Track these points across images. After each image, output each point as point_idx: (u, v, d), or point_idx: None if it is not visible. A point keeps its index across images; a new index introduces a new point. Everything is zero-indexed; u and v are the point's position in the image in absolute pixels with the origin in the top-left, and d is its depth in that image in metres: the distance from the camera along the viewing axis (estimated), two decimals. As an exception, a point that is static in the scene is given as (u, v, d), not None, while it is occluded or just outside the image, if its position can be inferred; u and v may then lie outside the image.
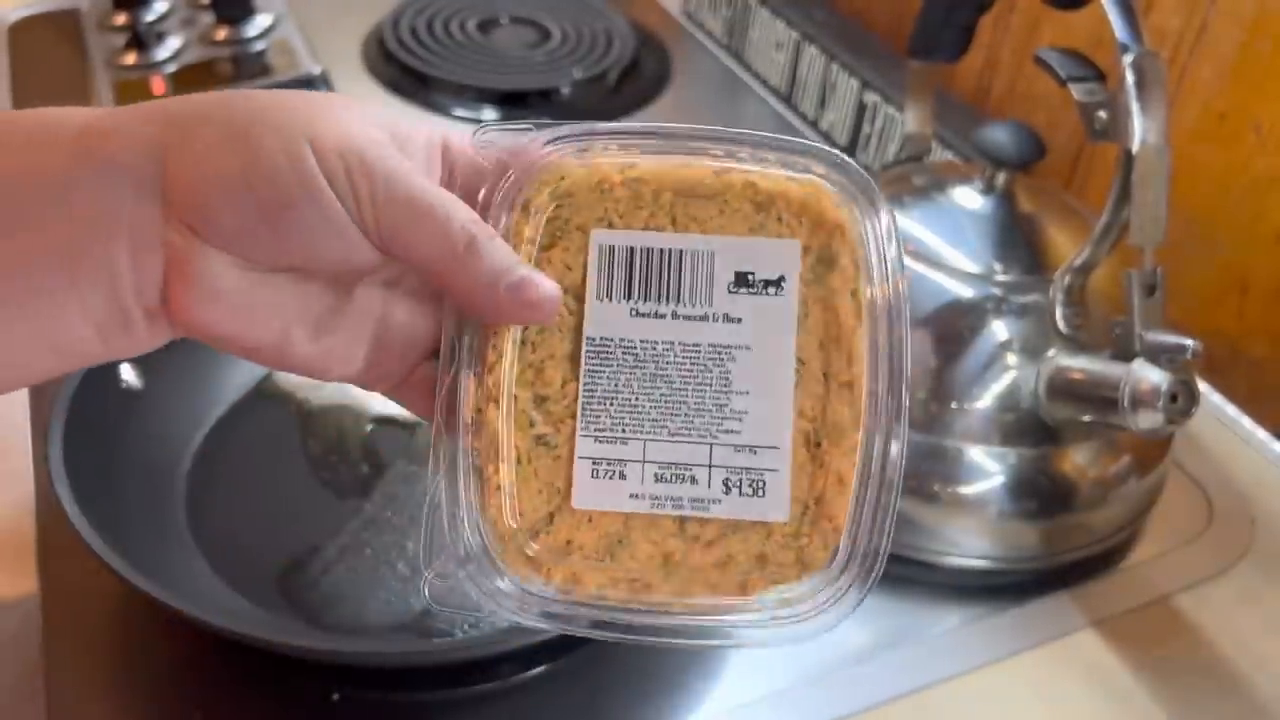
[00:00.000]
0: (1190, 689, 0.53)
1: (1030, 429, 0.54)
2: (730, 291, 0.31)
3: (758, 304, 0.31)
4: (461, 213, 0.30)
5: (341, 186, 0.29)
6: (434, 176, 0.32)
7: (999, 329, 0.54)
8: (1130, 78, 0.48)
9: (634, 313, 0.31)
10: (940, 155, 0.79)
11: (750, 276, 0.31)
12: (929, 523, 0.55)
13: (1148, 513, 0.60)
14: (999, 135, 0.56)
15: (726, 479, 0.31)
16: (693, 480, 0.31)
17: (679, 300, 0.31)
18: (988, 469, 0.54)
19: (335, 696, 0.50)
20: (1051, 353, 0.53)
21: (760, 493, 0.31)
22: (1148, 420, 0.48)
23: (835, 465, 0.31)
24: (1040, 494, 0.55)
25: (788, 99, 0.95)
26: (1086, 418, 0.52)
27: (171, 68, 0.90)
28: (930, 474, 0.54)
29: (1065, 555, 0.57)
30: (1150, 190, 0.48)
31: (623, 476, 0.31)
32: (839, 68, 0.88)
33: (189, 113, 0.29)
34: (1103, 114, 0.49)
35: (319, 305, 0.31)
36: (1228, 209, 0.70)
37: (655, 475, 0.31)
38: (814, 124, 0.92)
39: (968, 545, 0.56)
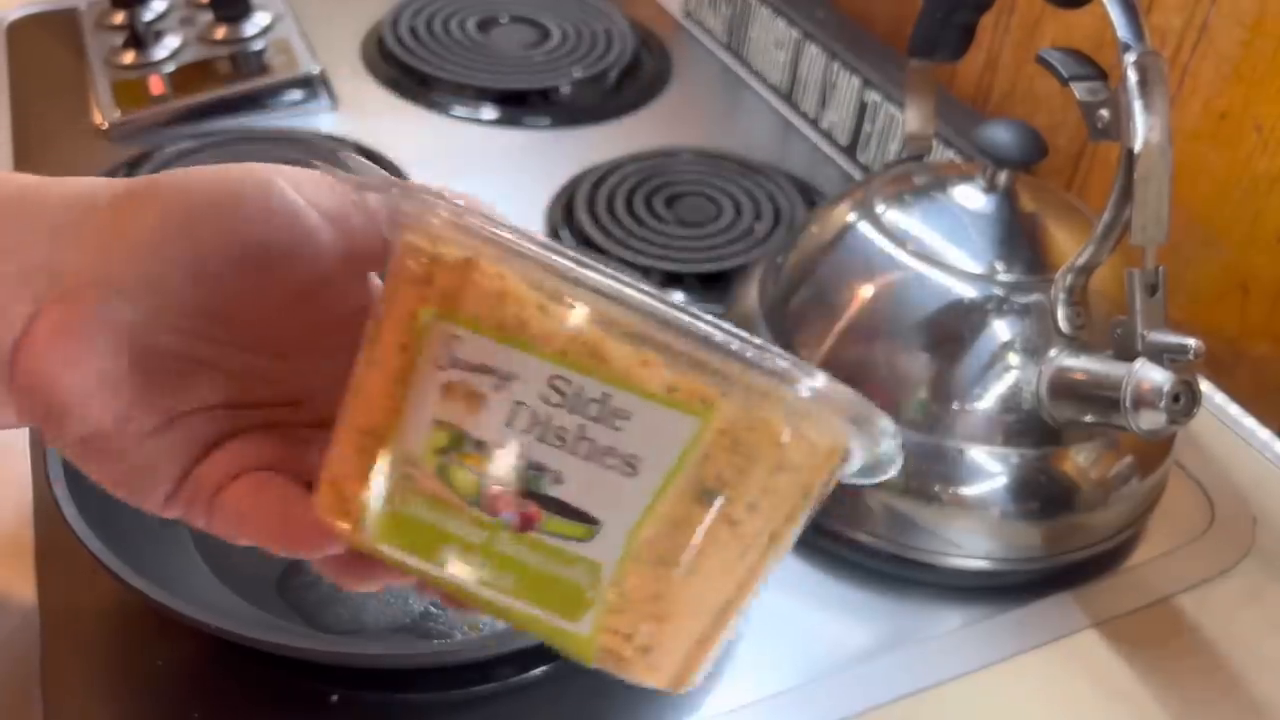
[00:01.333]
0: (1192, 689, 0.53)
1: (1032, 429, 0.54)
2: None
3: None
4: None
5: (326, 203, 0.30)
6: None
7: (1000, 329, 0.54)
8: (1132, 77, 0.47)
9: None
10: (941, 154, 0.78)
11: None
12: (930, 523, 0.55)
13: (1149, 513, 0.60)
14: (1000, 134, 0.56)
15: None
16: None
17: None
18: (989, 469, 0.54)
19: (334, 698, 0.50)
20: (1053, 353, 0.53)
21: None
22: (1150, 420, 0.48)
23: None
24: (1042, 494, 0.55)
25: (788, 98, 0.95)
26: (1088, 418, 0.52)
27: (170, 67, 0.90)
28: (931, 474, 0.54)
29: (1067, 556, 0.57)
30: (1152, 190, 0.48)
31: None
32: (840, 67, 0.88)
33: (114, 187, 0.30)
34: (1104, 113, 0.49)
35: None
36: (1229, 209, 0.69)
37: None
38: (815, 123, 0.92)
39: (969, 546, 0.56)
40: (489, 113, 0.92)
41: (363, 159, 0.30)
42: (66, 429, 0.29)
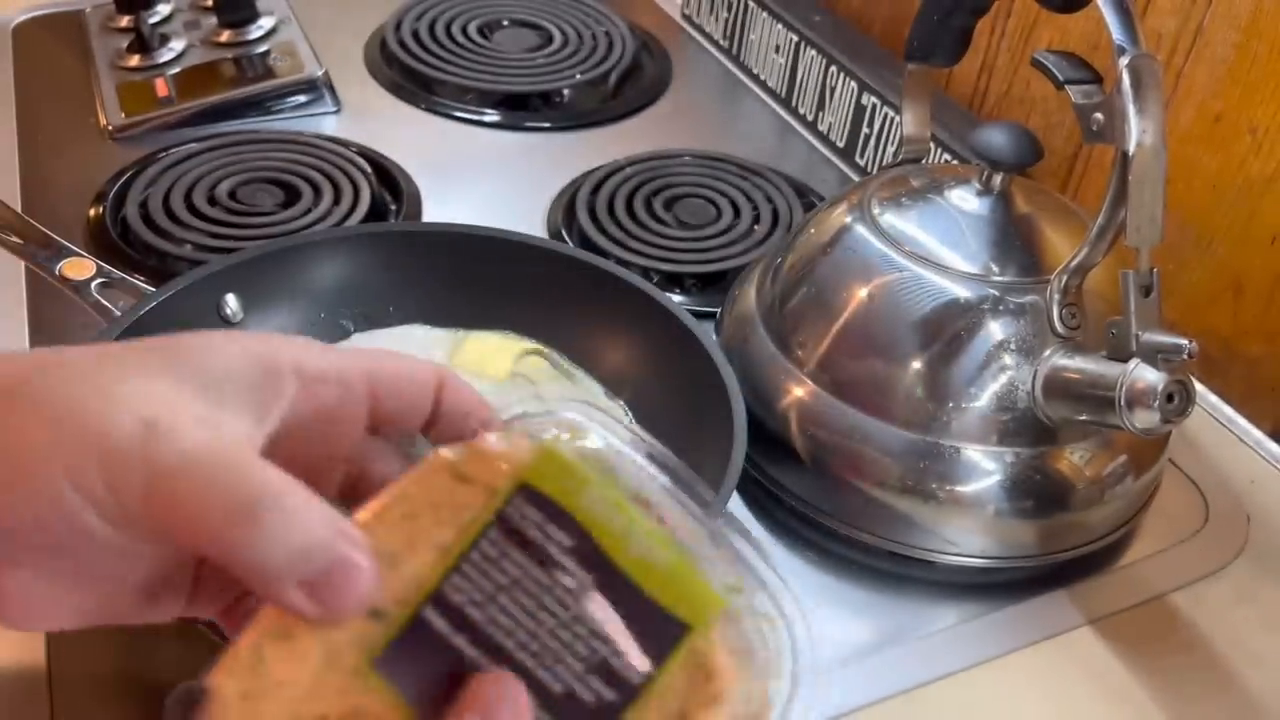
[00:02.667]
0: (1186, 686, 0.53)
1: (1027, 429, 0.54)
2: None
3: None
4: (238, 485, 0.25)
5: (108, 509, 0.26)
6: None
7: (996, 329, 0.55)
8: (1127, 79, 0.48)
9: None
10: (938, 157, 0.79)
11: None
12: (926, 521, 0.56)
13: (1144, 511, 0.61)
14: (996, 137, 0.56)
15: None
16: None
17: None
18: (985, 468, 0.55)
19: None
20: (1048, 353, 0.53)
21: None
22: (1144, 420, 0.49)
23: None
24: (1037, 493, 0.55)
25: (787, 101, 0.96)
26: (1083, 417, 0.52)
27: (175, 70, 0.90)
28: (927, 473, 0.55)
29: (1062, 553, 0.57)
30: (1147, 191, 0.49)
31: None
32: (837, 70, 0.89)
33: None
34: (1099, 116, 0.49)
35: (137, 578, 0.30)
36: (1223, 210, 0.70)
37: None
38: (813, 125, 0.93)
39: (965, 543, 0.56)
40: (491, 115, 0.92)
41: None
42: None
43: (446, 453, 0.27)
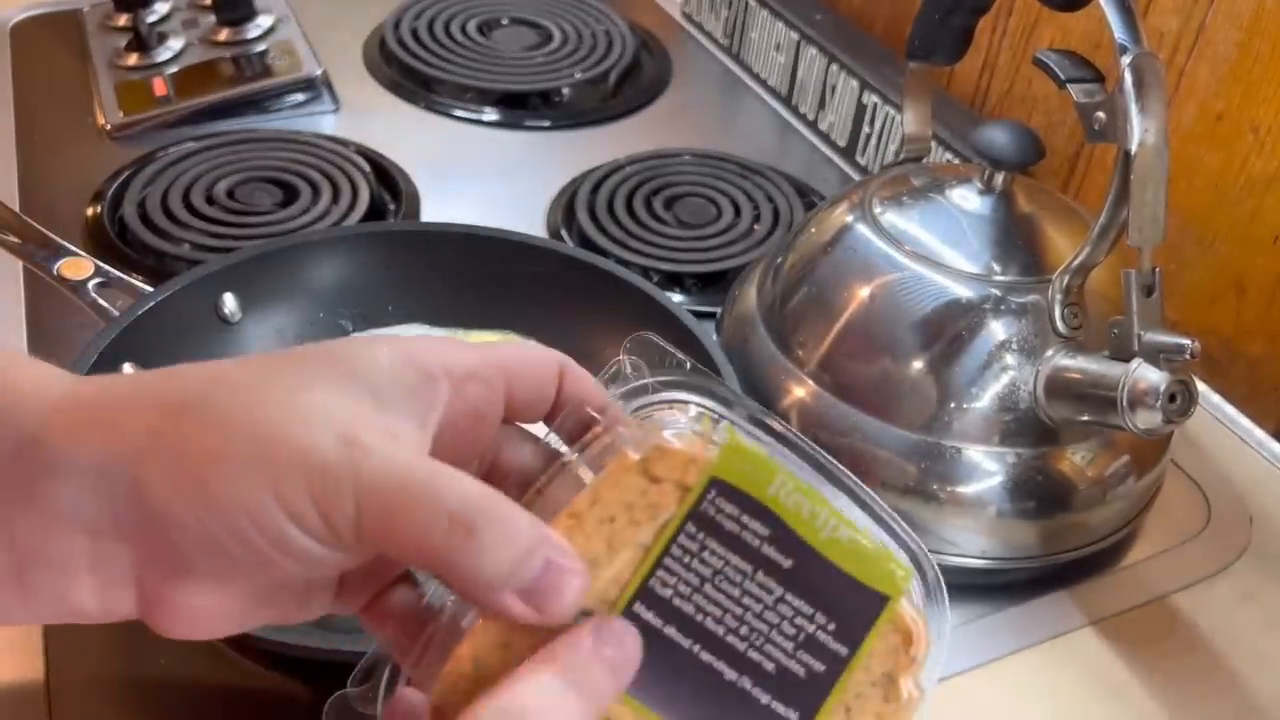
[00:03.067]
0: (1188, 687, 0.53)
1: (1029, 429, 0.54)
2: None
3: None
4: (451, 500, 0.26)
5: (313, 525, 0.26)
6: (489, 412, 0.30)
7: (997, 329, 0.54)
8: (1129, 78, 0.48)
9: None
10: (939, 156, 0.79)
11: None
12: (928, 521, 0.56)
13: (1146, 512, 0.60)
14: (997, 136, 0.56)
15: None
16: None
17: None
18: (986, 468, 0.55)
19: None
20: (1050, 353, 0.53)
21: None
22: (1146, 420, 0.49)
23: None
24: (1038, 493, 0.55)
25: (787, 100, 0.96)
26: (1085, 418, 0.52)
27: (173, 69, 0.90)
28: (929, 473, 0.55)
29: (1064, 554, 0.57)
30: (1149, 191, 0.48)
31: None
32: (838, 69, 0.88)
33: (136, 442, 0.27)
34: (1101, 115, 0.49)
35: (303, 584, 0.30)
36: (1225, 209, 0.70)
37: None
38: (813, 124, 0.93)
39: (966, 544, 0.56)
40: (490, 114, 0.92)
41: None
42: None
43: (633, 454, 0.28)
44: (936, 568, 0.31)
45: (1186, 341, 0.48)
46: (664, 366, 0.32)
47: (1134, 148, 0.48)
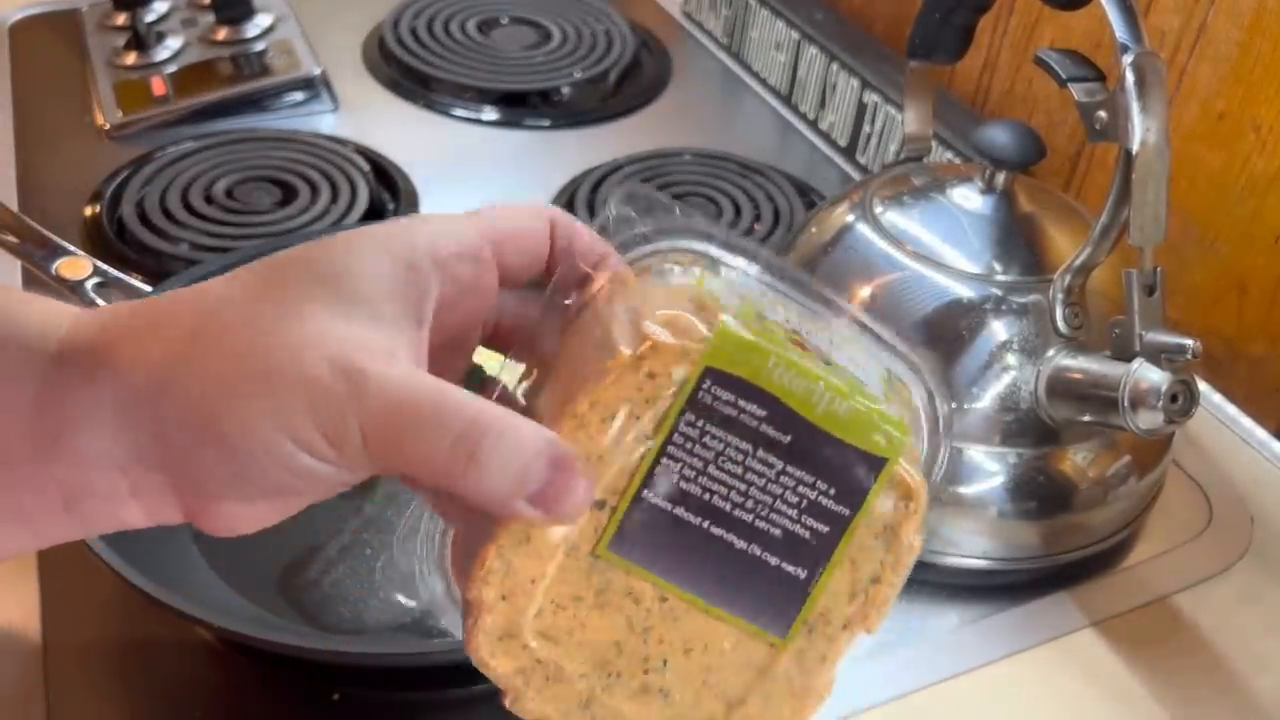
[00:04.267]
0: (1190, 688, 0.53)
1: (1030, 429, 0.54)
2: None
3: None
4: (453, 422, 0.27)
5: (325, 452, 0.27)
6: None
7: (998, 329, 0.54)
8: (1130, 77, 0.48)
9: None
10: (940, 155, 0.79)
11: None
12: (929, 522, 0.55)
13: (1147, 512, 0.60)
14: (998, 135, 0.56)
15: None
16: None
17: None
18: (988, 469, 0.55)
19: (335, 696, 0.50)
20: (1051, 353, 0.53)
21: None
22: (1147, 420, 0.48)
23: None
24: (1040, 494, 0.55)
25: (788, 99, 0.96)
26: (1086, 418, 0.52)
27: (172, 68, 0.90)
28: (929, 473, 0.54)
29: (1065, 555, 0.57)
30: (1150, 190, 0.48)
31: None
32: (839, 68, 0.88)
33: (152, 375, 0.27)
34: (1103, 114, 0.49)
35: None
36: (1227, 209, 0.70)
37: None
38: (814, 124, 0.93)
39: (967, 545, 0.56)
40: (490, 113, 0.92)
41: None
42: None
43: (626, 351, 0.29)
44: (932, 386, 0.33)
45: (1188, 341, 0.48)
46: (653, 214, 0.33)
47: (1135, 147, 0.48)
